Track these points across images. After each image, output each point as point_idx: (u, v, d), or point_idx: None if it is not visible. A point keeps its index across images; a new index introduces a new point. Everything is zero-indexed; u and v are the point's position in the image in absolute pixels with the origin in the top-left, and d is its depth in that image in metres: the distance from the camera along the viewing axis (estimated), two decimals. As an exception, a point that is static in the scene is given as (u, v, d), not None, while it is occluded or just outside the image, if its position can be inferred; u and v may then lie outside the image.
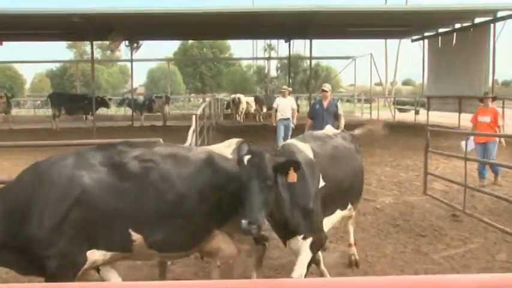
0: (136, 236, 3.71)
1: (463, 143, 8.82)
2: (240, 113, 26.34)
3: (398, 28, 24.18)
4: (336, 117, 9.69)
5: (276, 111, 13.21)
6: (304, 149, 4.40)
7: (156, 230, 3.76)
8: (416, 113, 25.88)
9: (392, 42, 37.52)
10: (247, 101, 26.62)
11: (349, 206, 5.03)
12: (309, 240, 4.15)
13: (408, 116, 27.76)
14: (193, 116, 8.76)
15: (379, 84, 37.88)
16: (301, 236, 4.13)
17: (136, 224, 3.72)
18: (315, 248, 4.22)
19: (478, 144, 9.43)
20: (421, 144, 9.96)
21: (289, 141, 4.86)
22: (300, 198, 4.06)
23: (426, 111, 24.32)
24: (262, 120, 25.69)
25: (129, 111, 27.13)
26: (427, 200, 8.55)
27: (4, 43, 27.14)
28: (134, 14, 18.08)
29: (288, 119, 12.90)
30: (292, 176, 3.78)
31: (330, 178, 4.42)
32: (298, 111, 14.53)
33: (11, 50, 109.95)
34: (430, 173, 9.01)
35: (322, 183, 4.30)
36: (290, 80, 31.57)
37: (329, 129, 5.54)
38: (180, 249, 4.03)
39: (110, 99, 27.20)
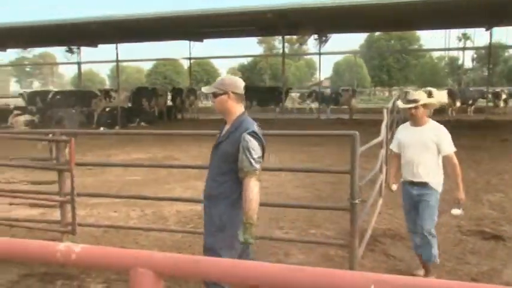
0: None
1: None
2: (428, 107, 24.92)
3: None
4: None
5: (399, 159, 5.26)
6: None
7: None
8: None
9: None
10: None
11: None
12: None
13: None
14: (384, 110, 8.55)
15: None
16: None
17: None
18: None
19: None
20: None
21: None
22: None
23: None
24: (454, 114, 23.95)
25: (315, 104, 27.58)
26: None
27: (204, 40, 29.86)
28: (324, 8, 18.23)
29: (426, 184, 4.89)
30: None
31: None
32: None
33: (209, 46, 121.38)
34: None
35: None
36: (489, 72, 28.88)
37: None
38: None
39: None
